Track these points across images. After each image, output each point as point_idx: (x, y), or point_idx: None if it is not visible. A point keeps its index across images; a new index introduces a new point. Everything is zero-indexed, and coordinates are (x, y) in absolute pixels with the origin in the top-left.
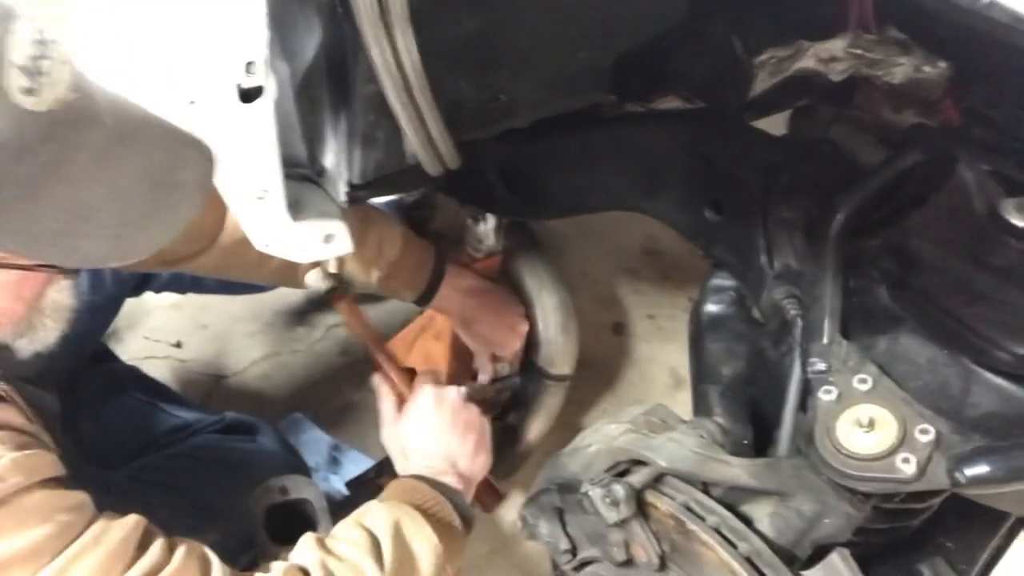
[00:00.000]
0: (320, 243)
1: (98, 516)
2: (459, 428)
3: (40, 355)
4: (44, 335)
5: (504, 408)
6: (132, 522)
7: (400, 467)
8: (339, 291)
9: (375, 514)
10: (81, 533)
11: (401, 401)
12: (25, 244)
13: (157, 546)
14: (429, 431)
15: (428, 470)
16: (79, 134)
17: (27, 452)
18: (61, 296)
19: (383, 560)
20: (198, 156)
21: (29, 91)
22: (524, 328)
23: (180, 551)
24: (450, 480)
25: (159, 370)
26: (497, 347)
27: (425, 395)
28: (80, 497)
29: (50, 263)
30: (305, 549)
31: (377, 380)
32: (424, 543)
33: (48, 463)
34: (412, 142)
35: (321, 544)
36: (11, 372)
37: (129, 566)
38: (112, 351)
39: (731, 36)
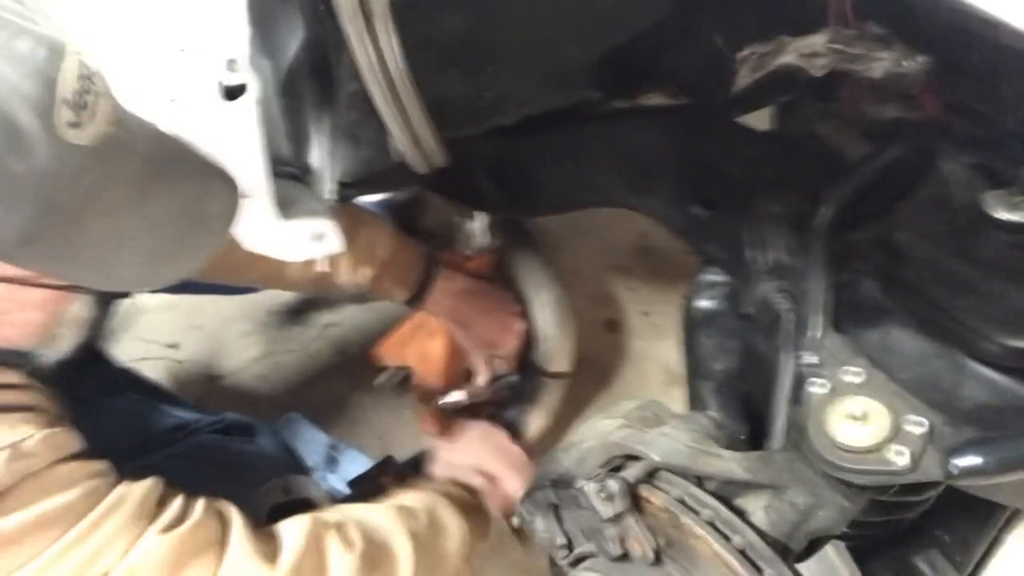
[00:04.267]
0: (309, 242)
1: (120, 480)
2: (492, 448)
3: (62, 363)
4: (62, 344)
5: (502, 407)
6: (151, 483)
7: None
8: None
9: (409, 496)
10: (106, 495)
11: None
12: (62, 268)
13: (178, 501)
14: (469, 451)
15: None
16: (117, 165)
17: (55, 430)
18: (81, 308)
19: (416, 532)
20: (225, 188)
21: (74, 125)
22: (520, 327)
23: (199, 504)
24: (477, 483)
25: (155, 371)
26: (492, 348)
27: (474, 427)
28: (103, 465)
29: (83, 285)
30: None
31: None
32: (455, 526)
33: (74, 439)
34: (397, 140)
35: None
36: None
37: (152, 521)
38: (106, 353)
39: (713, 32)
